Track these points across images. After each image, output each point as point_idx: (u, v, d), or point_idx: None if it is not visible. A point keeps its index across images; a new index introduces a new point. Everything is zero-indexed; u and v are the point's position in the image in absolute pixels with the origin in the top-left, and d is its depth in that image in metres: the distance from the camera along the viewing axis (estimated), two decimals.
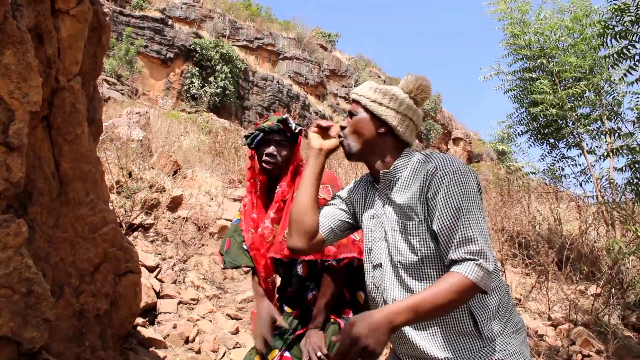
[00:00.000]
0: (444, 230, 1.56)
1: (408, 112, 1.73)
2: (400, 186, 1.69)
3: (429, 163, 1.63)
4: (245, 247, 2.46)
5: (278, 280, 2.53)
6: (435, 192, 1.58)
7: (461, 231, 1.52)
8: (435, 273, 1.60)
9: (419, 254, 1.61)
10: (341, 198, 1.91)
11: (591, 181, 7.55)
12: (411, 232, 1.63)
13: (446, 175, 1.58)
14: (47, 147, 2.52)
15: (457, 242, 1.53)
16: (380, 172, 1.73)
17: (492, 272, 1.50)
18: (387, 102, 1.71)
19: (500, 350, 1.56)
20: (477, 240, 1.51)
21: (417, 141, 1.81)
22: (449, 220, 1.55)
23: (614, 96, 6.92)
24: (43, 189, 2.48)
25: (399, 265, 1.66)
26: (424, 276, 1.61)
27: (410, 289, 1.63)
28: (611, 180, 7.23)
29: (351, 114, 1.77)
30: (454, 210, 1.54)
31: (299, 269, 2.33)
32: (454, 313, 1.57)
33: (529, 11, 7.72)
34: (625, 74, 6.15)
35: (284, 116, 2.38)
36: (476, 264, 1.48)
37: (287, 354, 2.18)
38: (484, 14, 7.92)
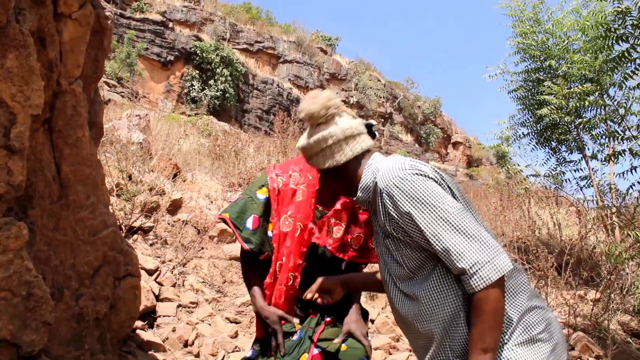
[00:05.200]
0: (422, 242, 1.55)
1: (333, 139, 1.73)
2: (372, 206, 1.72)
3: (377, 180, 1.64)
4: (270, 234, 2.25)
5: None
6: (390, 211, 1.58)
7: (436, 245, 1.50)
8: (429, 278, 1.58)
9: (405, 268, 1.62)
10: None
11: (592, 186, 7.54)
12: (392, 247, 1.64)
13: (390, 193, 1.56)
14: (48, 150, 2.52)
15: (441, 255, 1.51)
16: (354, 200, 1.78)
17: (491, 257, 1.46)
18: (328, 153, 1.74)
19: None
20: (455, 247, 1.47)
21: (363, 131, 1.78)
22: (419, 234, 1.54)
23: (619, 100, 6.89)
24: (44, 192, 2.48)
25: (395, 279, 1.68)
26: (418, 283, 1.60)
27: (410, 297, 1.63)
28: (612, 185, 7.22)
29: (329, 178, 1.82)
30: (416, 224, 1.53)
31: (342, 265, 2.29)
32: (454, 332, 1.54)
33: (542, 10, 7.59)
34: (626, 77, 6.15)
35: (372, 122, 2.35)
36: (472, 272, 1.45)
37: (315, 351, 2.10)
38: (495, 7, 7.77)
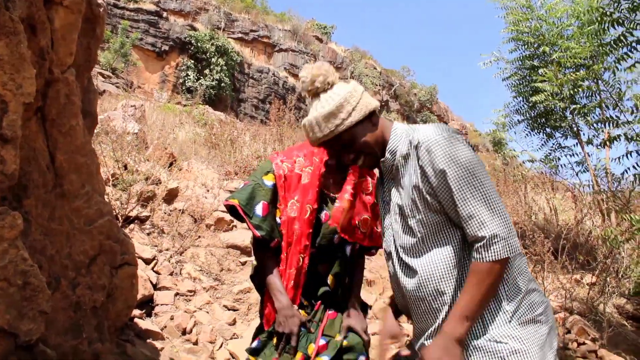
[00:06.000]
0: (447, 205, 1.57)
1: (354, 98, 1.69)
2: (400, 167, 1.69)
3: (413, 137, 1.63)
4: (278, 220, 2.22)
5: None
6: (424, 166, 1.58)
7: (462, 207, 1.53)
8: (436, 249, 1.60)
9: (417, 235, 1.62)
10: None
11: (587, 171, 7.57)
12: (409, 213, 1.63)
13: (430, 148, 1.57)
14: (42, 139, 2.51)
15: (463, 219, 1.54)
16: (380, 162, 1.74)
17: (508, 235, 1.50)
18: (344, 115, 1.67)
19: (502, 339, 1.53)
20: (479, 215, 1.51)
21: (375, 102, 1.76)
22: (447, 195, 1.56)
23: (613, 85, 6.89)
24: (38, 182, 2.47)
25: (400, 250, 1.68)
26: (425, 254, 1.61)
27: (413, 270, 1.63)
28: (608, 170, 7.24)
29: (344, 149, 1.73)
30: (447, 184, 1.55)
31: (347, 250, 2.29)
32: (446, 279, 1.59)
33: None
34: (619, 60, 6.13)
35: None
36: (488, 243, 1.49)
37: (322, 341, 2.11)
38: (488, 1, 7.78)
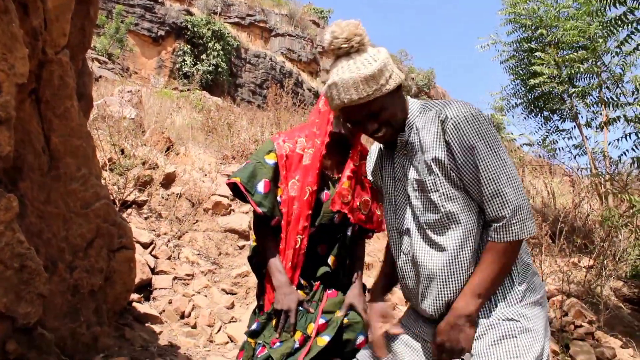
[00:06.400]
0: (469, 182, 1.57)
1: (390, 66, 1.63)
2: (416, 142, 1.66)
3: (439, 112, 1.60)
4: (279, 199, 2.21)
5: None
6: (451, 142, 1.57)
7: (486, 186, 1.53)
8: (461, 227, 1.58)
9: (442, 210, 1.59)
10: (373, 181, 1.96)
11: (585, 154, 7.56)
12: (431, 188, 1.61)
13: (459, 123, 1.55)
14: (36, 121, 2.48)
15: (486, 197, 1.54)
16: (398, 137, 1.70)
17: (527, 216, 1.52)
18: (383, 81, 1.60)
19: (514, 317, 1.55)
20: (504, 194, 1.51)
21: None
22: (471, 172, 1.55)
23: (612, 68, 6.86)
24: (33, 164, 2.45)
25: (424, 226, 1.64)
26: (451, 231, 1.59)
27: (440, 247, 1.60)
28: (605, 153, 7.24)
29: (371, 117, 1.65)
30: (473, 161, 1.54)
31: (348, 231, 2.31)
32: (466, 255, 1.58)
33: None
34: (622, 43, 6.10)
35: None
36: (508, 224, 1.50)
37: (321, 320, 2.11)
38: None
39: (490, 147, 1.53)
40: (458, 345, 1.53)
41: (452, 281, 1.58)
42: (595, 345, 4.40)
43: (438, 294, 1.62)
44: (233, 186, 2.21)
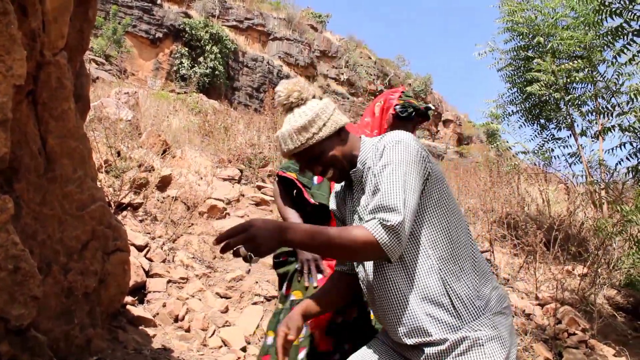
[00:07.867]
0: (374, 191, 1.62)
1: (325, 114, 1.75)
2: (368, 175, 1.74)
3: (381, 144, 1.68)
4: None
5: None
6: (374, 166, 1.67)
7: (381, 192, 1.56)
8: (408, 254, 1.61)
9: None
10: (338, 216, 2.00)
11: (581, 162, 7.60)
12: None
13: (388, 146, 1.63)
14: (33, 123, 2.48)
15: (375, 200, 1.56)
16: (350, 173, 1.78)
17: (401, 239, 1.50)
18: (315, 129, 1.72)
19: (479, 328, 1.56)
20: (392, 200, 1.52)
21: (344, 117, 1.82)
22: (376, 183, 1.61)
23: (609, 77, 6.89)
24: (29, 166, 2.44)
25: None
26: (399, 260, 1.62)
27: (390, 279, 1.64)
28: (601, 161, 7.27)
29: (314, 161, 1.76)
30: (381, 173, 1.60)
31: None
32: (421, 277, 1.59)
33: None
34: (619, 53, 6.14)
35: (431, 106, 2.60)
36: (384, 224, 1.50)
37: (319, 276, 2.40)
38: None
39: (399, 163, 1.58)
40: (259, 240, 1.45)
41: (404, 300, 1.61)
42: (589, 354, 4.42)
43: (394, 316, 1.65)
44: (282, 178, 2.62)
